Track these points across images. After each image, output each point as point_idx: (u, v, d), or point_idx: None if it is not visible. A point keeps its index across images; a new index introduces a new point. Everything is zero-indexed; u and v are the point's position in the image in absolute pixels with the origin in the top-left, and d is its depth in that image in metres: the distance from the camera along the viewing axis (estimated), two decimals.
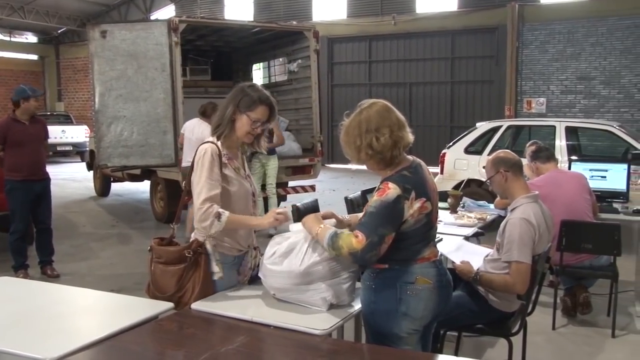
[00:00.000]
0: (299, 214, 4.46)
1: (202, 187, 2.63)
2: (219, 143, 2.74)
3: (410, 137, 2.43)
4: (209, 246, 2.71)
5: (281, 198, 8.85)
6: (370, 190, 4.33)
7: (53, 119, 19.66)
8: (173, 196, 7.98)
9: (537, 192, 3.38)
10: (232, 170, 2.75)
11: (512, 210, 3.32)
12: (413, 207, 2.34)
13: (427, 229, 2.44)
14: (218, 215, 2.61)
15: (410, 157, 2.48)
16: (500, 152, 3.52)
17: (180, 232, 2.91)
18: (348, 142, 2.43)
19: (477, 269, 3.31)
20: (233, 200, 2.74)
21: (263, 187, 7.85)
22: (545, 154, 5.04)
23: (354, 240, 2.30)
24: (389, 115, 2.41)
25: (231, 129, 2.74)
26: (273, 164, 7.85)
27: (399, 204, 2.31)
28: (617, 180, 5.45)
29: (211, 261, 2.72)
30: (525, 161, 5.16)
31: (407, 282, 2.40)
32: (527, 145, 5.61)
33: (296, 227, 2.64)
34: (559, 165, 5.32)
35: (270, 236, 2.92)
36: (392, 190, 2.31)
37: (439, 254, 2.58)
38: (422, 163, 2.51)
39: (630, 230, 5.20)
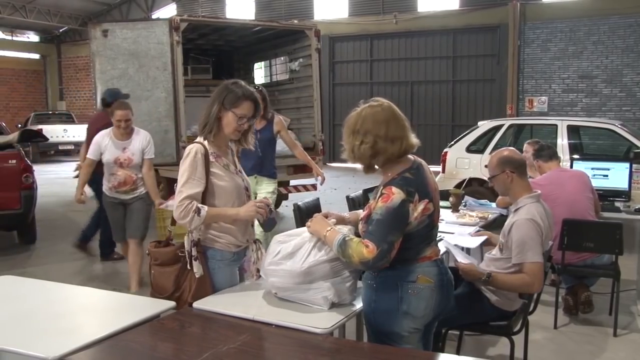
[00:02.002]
0: (300, 213, 4.47)
1: (183, 185, 2.71)
2: (205, 142, 2.78)
3: (414, 141, 2.41)
4: (186, 242, 2.76)
5: (283, 197, 8.84)
6: (372, 189, 4.33)
7: (55, 118, 19.71)
8: None
9: (539, 192, 3.36)
10: (220, 168, 2.79)
11: (515, 210, 3.29)
12: (417, 210, 2.34)
13: (429, 229, 2.44)
14: (198, 211, 2.67)
15: (411, 157, 2.47)
16: (505, 151, 3.41)
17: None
18: (345, 133, 2.46)
19: (480, 267, 3.30)
20: (224, 195, 2.79)
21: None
22: (548, 153, 5.01)
23: (365, 250, 2.29)
24: (380, 125, 2.37)
25: (218, 127, 2.78)
26: (266, 189, 5.36)
27: (404, 208, 2.30)
28: (619, 179, 5.44)
29: (210, 259, 2.78)
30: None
31: (409, 281, 2.40)
32: (526, 143, 5.58)
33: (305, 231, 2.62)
34: (560, 164, 5.30)
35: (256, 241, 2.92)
36: (397, 195, 2.30)
37: (440, 252, 2.57)
38: (423, 163, 2.50)
39: (632, 229, 5.20)
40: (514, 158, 3.33)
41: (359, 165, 2.47)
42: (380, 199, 2.34)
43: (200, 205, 2.70)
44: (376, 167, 2.43)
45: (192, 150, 2.75)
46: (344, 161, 2.56)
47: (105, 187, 5.18)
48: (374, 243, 2.28)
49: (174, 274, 2.77)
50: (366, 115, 2.40)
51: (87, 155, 5.17)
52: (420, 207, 2.34)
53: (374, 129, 2.37)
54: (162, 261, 2.83)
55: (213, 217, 2.74)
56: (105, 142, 5.05)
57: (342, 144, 2.49)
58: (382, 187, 2.38)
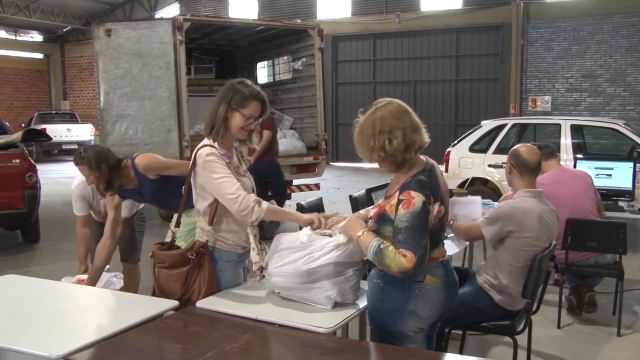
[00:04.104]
0: (303, 212, 4.46)
1: (224, 181, 2.62)
2: (215, 144, 2.71)
3: (426, 139, 2.40)
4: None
5: (286, 196, 8.85)
6: (375, 189, 4.32)
7: (58, 118, 19.75)
8: None
9: (540, 190, 3.37)
10: (232, 170, 2.73)
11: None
12: (432, 212, 2.33)
13: (439, 232, 2.44)
14: (258, 202, 2.62)
15: (423, 159, 2.45)
16: (522, 147, 3.51)
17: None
18: (362, 142, 2.40)
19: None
20: None
21: None
22: (547, 151, 4.92)
23: (404, 260, 2.26)
24: (403, 117, 2.37)
25: (226, 129, 2.71)
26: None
27: (425, 209, 2.29)
28: (622, 179, 5.43)
29: (217, 260, 2.75)
30: None
31: (416, 281, 2.39)
32: None
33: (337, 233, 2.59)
34: (564, 163, 5.27)
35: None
36: (417, 198, 2.28)
37: (446, 253, 2.57)
38: (435, 164, 2.48)
39: (636, 229, 5.18)
40: (520, 155, 3.42)
41: (365, 165, 2.45)
42: (401, 206, 2.30)
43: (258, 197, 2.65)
44: (408, 159, 2.37)
45: (211, 150, 2.66)
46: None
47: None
48: (411, 251, 2.25)
49: (182, 276, 2.71)
50: (382, 114, 2.37)
51: (76, 213, 4.18)
52: (435, 210, 2.34)
53: (398, 123, 2.35)
54: (169, 264, 2.76)
55: (273, 212, 2.71)
56: (90, 191, 4.14)
57: (361, 150, 2.42)
58: (398, 192, 2.34)
